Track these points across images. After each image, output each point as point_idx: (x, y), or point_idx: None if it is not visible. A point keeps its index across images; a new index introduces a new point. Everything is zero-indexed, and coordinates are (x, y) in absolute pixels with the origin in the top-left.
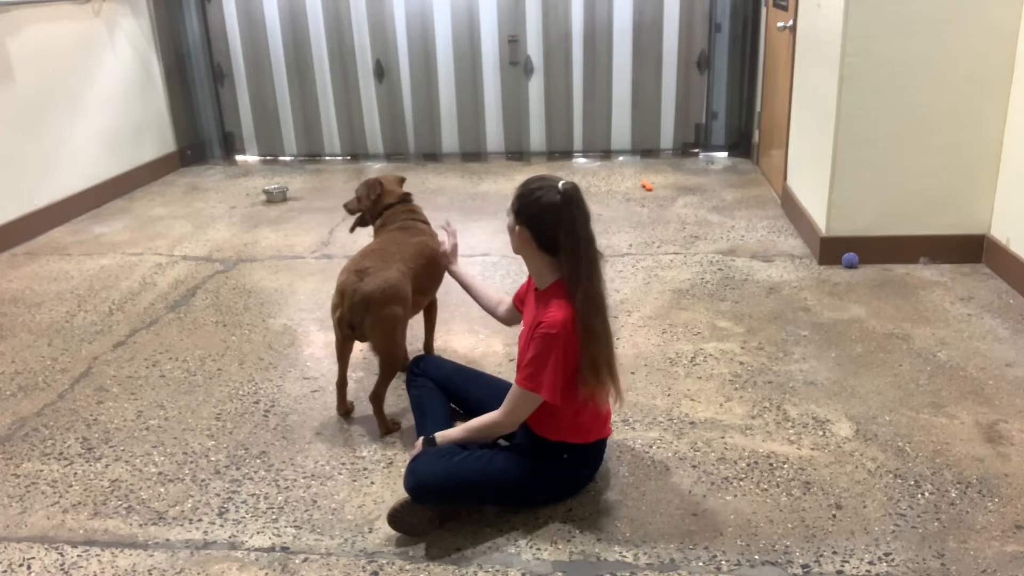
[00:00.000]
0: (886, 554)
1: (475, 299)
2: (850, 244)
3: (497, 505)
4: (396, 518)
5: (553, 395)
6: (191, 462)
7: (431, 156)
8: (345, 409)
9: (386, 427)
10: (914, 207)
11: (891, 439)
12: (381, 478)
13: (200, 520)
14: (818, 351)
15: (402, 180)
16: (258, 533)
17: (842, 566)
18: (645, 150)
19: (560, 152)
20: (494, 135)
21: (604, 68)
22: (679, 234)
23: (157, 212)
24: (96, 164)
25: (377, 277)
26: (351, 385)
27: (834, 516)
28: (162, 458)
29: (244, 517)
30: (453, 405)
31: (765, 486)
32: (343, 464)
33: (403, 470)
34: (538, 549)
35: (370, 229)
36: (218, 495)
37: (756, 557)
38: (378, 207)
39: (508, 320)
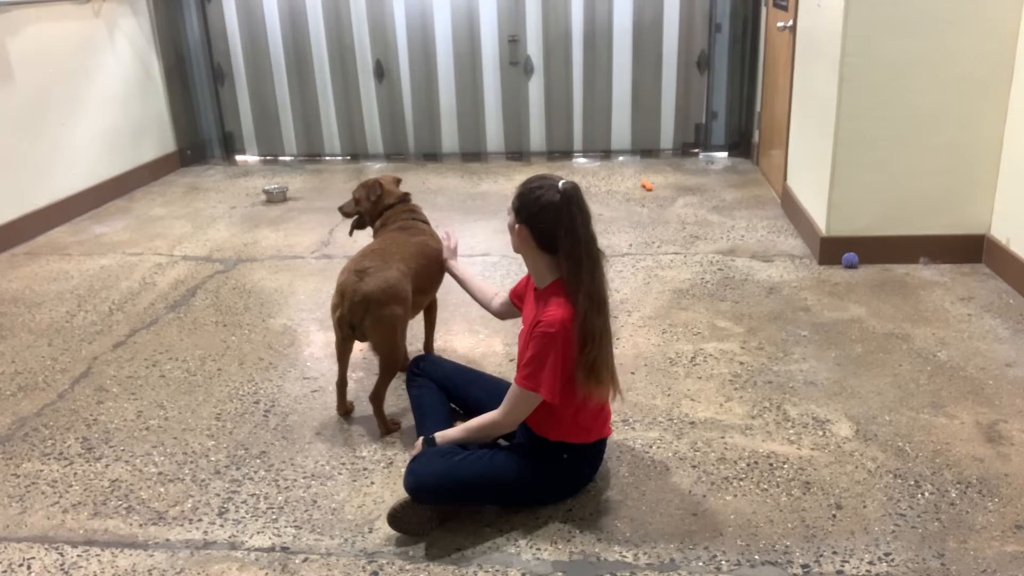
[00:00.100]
0: (886, 554)
1: (470, 293)
2: (850, 244)
3: (497, 505)
4: (396, 518)
5: (552, 394)
6: (191, 462)
7: (431, 156)
8: (345, 409)
9: (386, 427)
10: (914, 207)
11: (891, 439)
12: (381, 478)
13: (200, 520)
14: (818, 351)
15: (398, 180)
16: (258, 533)
17: (842, 566)
18: (645, 150)
19: (560, 152)
20: (494, 135)
21: (604, 68)
22: (679, 234)
23: (157, 212)
24: (96, 164)
25: (377, 277)
26: (351, 385)
27: (834, 516)
28: (162, 458)
29: (244, 517)
30: (453, 405)
31: (765, 486)
32: (343, 464)
33: (403, 470)
34: (538, 549)
35: (369, 229)
36: (218, 495)
37: (756, 557)
38: (378, 208)
39: (502, 314)
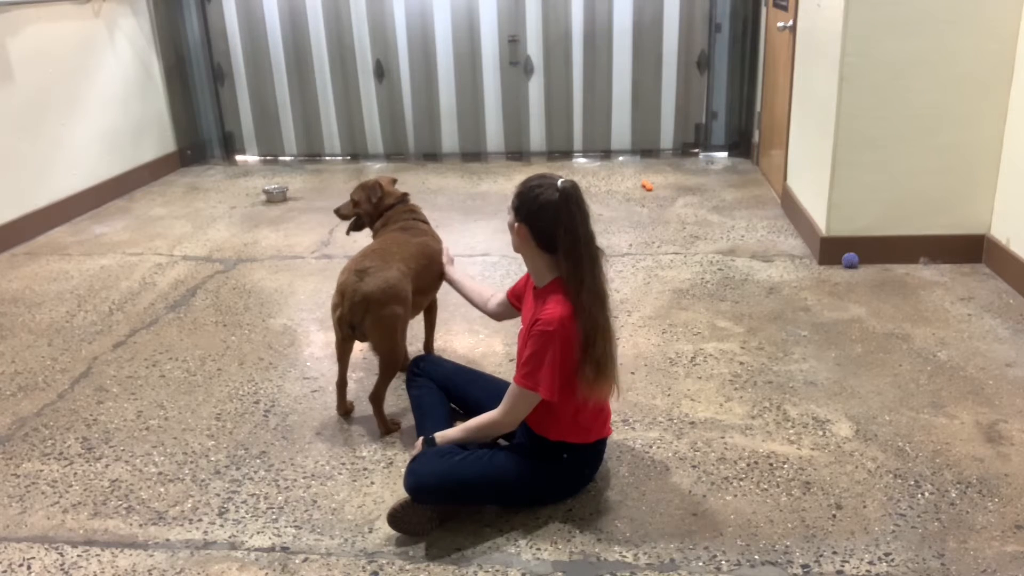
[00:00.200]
0: (886, 554)
1: (465, 296)
2: (850, 244)
3: (497, 505)
4: (396, 518)
5: (551, 392)
6: (191, 462)
7: (431, 156)
8: (345, 409)
9: (386, 427)
10: (914, 207)
11: (891, 439)
12: (381, 478)
13: (200, 520)
14: (818, 351)
15: (394, 181)
16: (258, 533)
17: (842, 566)
18: (645, 150)
19: (560, 152)
20: (494, 135)
21: (604, 68)
22: (679, 234)
23: (157, 212)
24: (96, 164)
25: (377, 277)
26: (351, 385)
27: (834, 516)
28: (162, 458)
29: (244, 517)
30: (453, 405)
31: (765, 486)
32: (343, 464)
33: (403, 470)
34: (538, 549)
35: (368, 230)
36: (218, 495)
37: (756, 557)
38: (379, 209)
39: (499, 315)
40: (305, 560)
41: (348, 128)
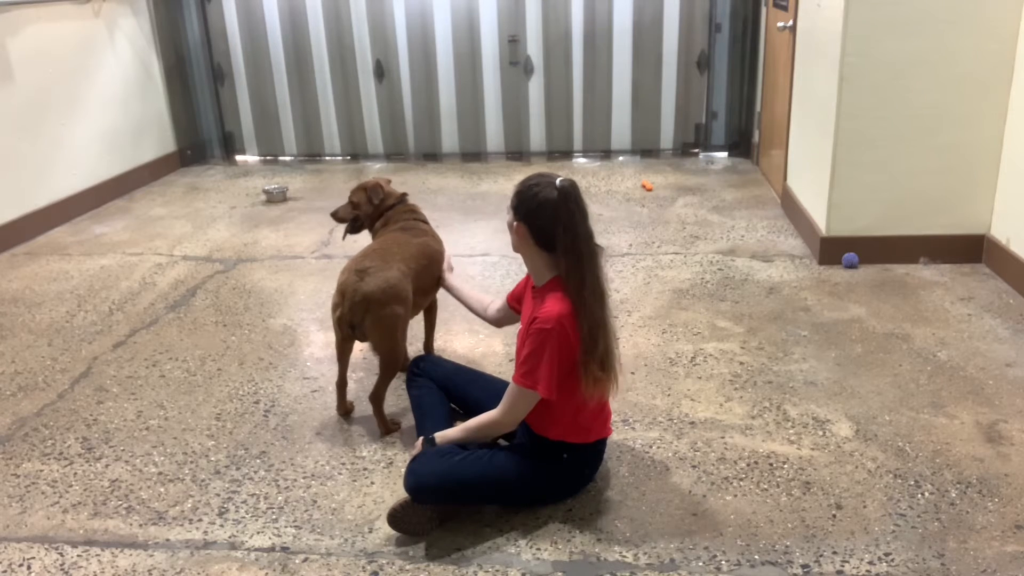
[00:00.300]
0: (886, 554)
1: (465, 304)
2: (850, 244)
3: (497, 505)
4: (396, 518)
5: (549, 391)
6: (191, 462)
7: (431, 156)
8: (345, 409)
9: (386, 427)
10: (914, 207)
11: (891, 439)
12: (381, 478)
13: (200, 520)
14: (818, 351)
15: (389, 181)
16: (258, 533)
17: (842, 566)
18: (645, 150)
19: (560, 152)
20: (494, 135)
21: (604, 68)
22: (679, 234)
23: (157, 212)
24: (96, 164)
25: (378, 277)
26: (351, 385)
27: (834, 516)
28: (162, 458)
29: (244, 517)
30: (453, 405)
31: (765, 486)
32: (343, 464)
33: (403, 470)
34: (538, 549)
35: (366, 231)
36: (218, 495)
37: (756, 557)
38: (380, 210)
39: (499, 320)
40: (305, 560)
41: (348, 128)
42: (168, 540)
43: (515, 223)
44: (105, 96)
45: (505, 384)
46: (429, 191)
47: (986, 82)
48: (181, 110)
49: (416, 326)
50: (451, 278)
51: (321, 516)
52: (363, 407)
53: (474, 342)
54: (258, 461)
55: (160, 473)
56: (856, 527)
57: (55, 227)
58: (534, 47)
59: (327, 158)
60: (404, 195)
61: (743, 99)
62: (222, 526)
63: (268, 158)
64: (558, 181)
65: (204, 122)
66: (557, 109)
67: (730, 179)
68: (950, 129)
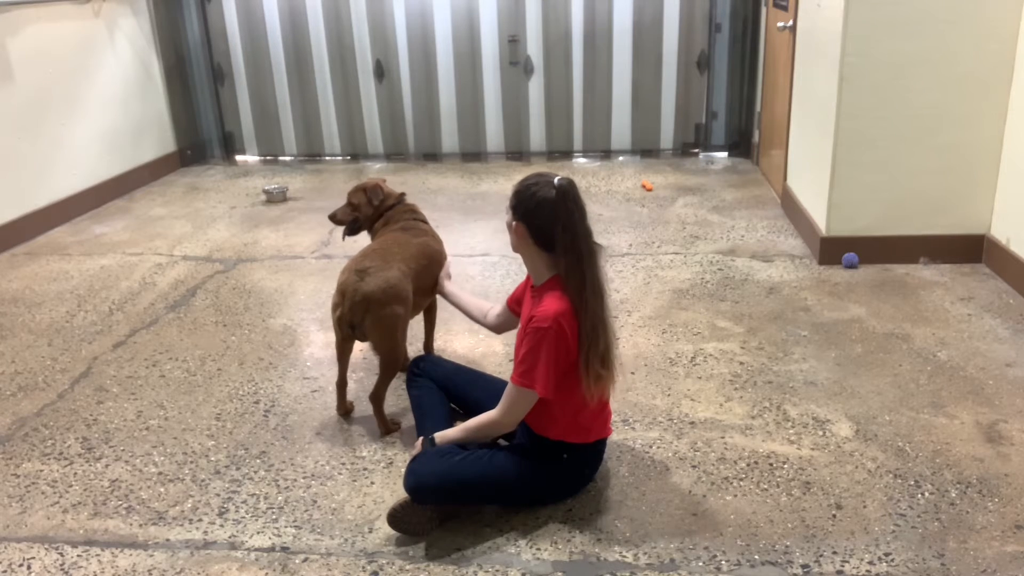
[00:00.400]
0: (886, 554)
1: (464, 311)
2: (850, 244)
3: (497, 505)
4: (396, 518)
5: (547, 390)
6: (191, 462)
7: (431, 156)
8: (345, 409)
9: (386, 427)
10: (914, 207)
11: (891, 439)
12: (381, 478)
13: (200, 520)
14: (818, 351)
15: (384, 182)
16: (258, 533)
17: (842, 566)
18: (645, 150)
19: (560, 152)
20: (494, 135)
21: (604, 68)
22: (679, 234)
23: (157, 212)
24: (96, 164)
25: (378, 277)
26: (351, 385)
27: (834, 516)
28: (162, 458)
29: (244, 517)
30: (453, 405)
31: (765, 486)
32: (343, 464)
33: (403, 470)
34: (538, 549)
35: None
36: (218, 495)
37: (756, 557)
38: (379, 210)
39: (500, 326)
40: (305, 560)
41: (348, 128)
42: (168, 540)
43: (514, 223)
44: (105, 96)
45: (505, 384)
46: (429, 191)
47: (986, 82)
48: (181, 110)
49: (416, 326)
50: (449, 286)
51: (321, 516)
52: (363, 407)
53: (474, 342)
54: (258, 461)
55: (160, 473)
56: (856, 527)
57: (55, 227)
58: (534, 47)
59: (327, 158)
60: (402, 195)
61: (743, 99)
62: (222, 526)
63: (268, 158)
64: (556, 180)
65: (204, 122)
66: (557, 109)
67: (730, 179)
68: (950, 129)
